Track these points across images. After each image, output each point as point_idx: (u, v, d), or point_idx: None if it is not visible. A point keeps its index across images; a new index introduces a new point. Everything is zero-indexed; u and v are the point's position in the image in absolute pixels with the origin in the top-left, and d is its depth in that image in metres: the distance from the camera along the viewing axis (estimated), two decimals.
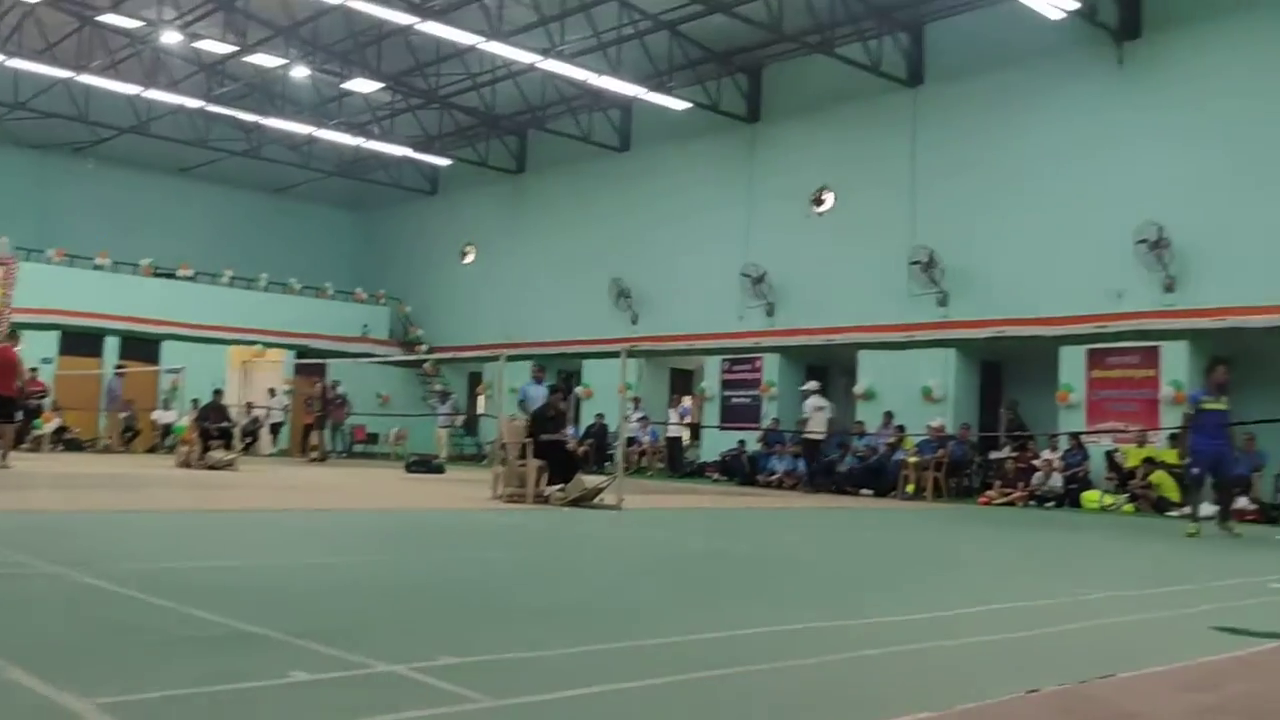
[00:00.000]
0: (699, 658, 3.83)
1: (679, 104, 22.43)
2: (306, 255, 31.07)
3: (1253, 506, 14.38)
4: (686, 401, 24.10)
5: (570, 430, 18.70)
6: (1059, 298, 18.01)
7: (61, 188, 28.53)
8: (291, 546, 7.54)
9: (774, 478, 19.62)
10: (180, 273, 27.66)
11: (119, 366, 25.15)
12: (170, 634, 3.89)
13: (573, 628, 4.44)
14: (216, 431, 18.06)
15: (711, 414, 23.12)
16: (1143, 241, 16.84)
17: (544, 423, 12.63)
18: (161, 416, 24.44)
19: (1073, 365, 17.93)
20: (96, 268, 26.47)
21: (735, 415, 22.40)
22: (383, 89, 25.46)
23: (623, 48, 21.61)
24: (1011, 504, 16.60)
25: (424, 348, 29.84)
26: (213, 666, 3.32)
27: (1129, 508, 15.62)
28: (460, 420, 28.08)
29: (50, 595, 4.73)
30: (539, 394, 14.97)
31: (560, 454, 12.53)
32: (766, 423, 21.31)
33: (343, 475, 17.71)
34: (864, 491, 18.12)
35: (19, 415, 16.43)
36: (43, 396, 22.23)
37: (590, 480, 12.30)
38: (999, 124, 19.25)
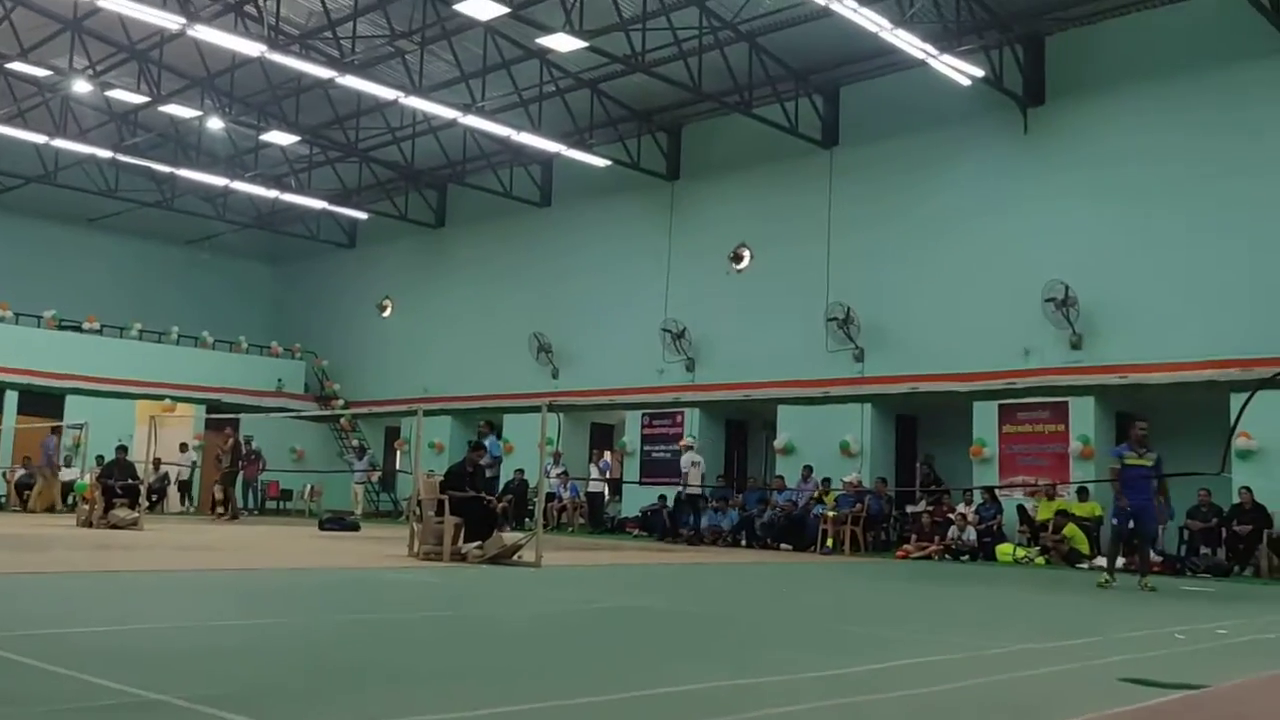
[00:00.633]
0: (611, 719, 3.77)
1: (600, 161, 22.60)
2: (221, 308, 30.38)
3: (1158, 558, 14.74)
4: (607, 456, 24.02)
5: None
6: (972, 354, 18.42)
7: None
8: (195, 608, 7.31)
9: (694, 533, 19.59)
10: (86, 325, 26.88)
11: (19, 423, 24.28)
12: (66, 704, 3.74)
13: (481, 691, 4.37)
14: (120, 489, 17.51)
15: (632, 469, 23.09)
16: (1050, 300, 17.33)
17: (459, 479, 12.48)
18: (64, 474, 23.59)
19: (986, 420, 18.31)
20: None
21: (656, 470, 22.38)
22: (301, 141, 25.26)
23: (544, 104, 21.73)
24: (928, 557, 16.78)
25: (340, 402, 29.36)
26: None
27: (1041, 560, 15.90)
28: (376, 476, 27.63)
29: None
30: (498, 446, 14.74)
31: (478, 510, 12.37)
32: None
33: (254, 534, 17.24)
34: (784, 546, 18.22)
35: None
36: None
37: (509, 537, 12.17)
38: (912, 185, 19.73)
